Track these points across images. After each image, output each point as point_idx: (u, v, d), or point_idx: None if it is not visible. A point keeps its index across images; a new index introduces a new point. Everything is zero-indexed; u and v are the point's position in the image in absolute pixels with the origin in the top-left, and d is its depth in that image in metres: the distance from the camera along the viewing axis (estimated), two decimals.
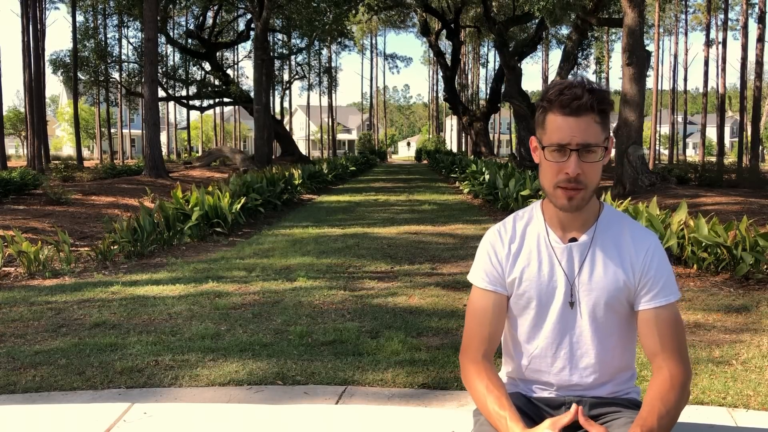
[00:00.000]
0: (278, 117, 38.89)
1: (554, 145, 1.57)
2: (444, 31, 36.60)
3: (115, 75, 33.09)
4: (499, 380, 1.66)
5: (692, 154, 63.65)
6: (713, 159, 36.99)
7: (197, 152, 55.33)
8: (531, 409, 1.73)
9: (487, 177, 15.57)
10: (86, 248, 8.27)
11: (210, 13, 32.14)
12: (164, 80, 30.90)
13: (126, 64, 32.72)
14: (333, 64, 53.44)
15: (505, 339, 1.82)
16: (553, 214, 1.69)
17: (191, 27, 32.97)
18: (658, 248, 1.67)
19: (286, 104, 54.27)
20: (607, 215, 1.70)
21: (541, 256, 1.69)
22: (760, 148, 39.54)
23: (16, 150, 68.89)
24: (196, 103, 33.52)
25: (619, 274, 1.64)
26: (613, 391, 1.72)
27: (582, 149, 1.55)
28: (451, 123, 72.55)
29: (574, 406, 1.53)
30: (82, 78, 30.84)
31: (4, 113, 34.18)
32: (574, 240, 1.67)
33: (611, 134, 1.64)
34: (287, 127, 41.18)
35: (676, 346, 1.60)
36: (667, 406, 1.52)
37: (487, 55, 62.40)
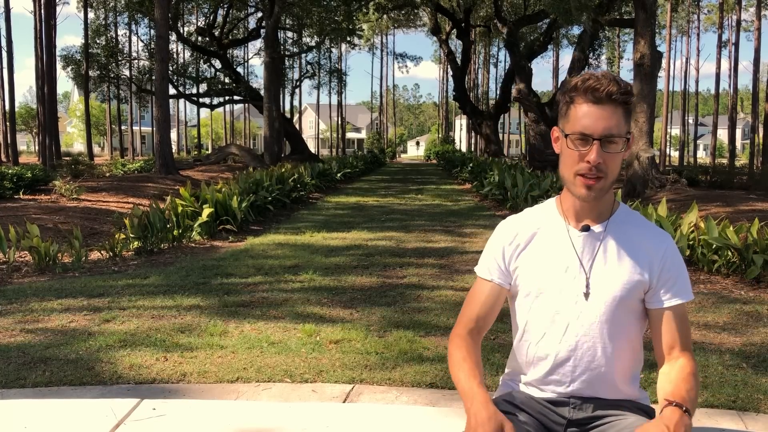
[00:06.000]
0: (288, 115, 38.91)
1: (577, 134, 1.58)
2: (454, 31, 36.51)
3: (126, 72, 33.23)
4: (476, 355, 1.74)
5: (703, 156, 63.20)
6: (724, 161, 36.72)
7: (207, 150, 55.52)
8: (534, 407, 1.72)
9: (497, 177, 15.55)
10: (96, 244, 8.32)
11: (221, 11, 32.19)
12: (174, 78, 30.99)
13: (136, 61, 32.86)
14: (342, 63, 53.48)
15: (514, 335, 1.80)
16: (570, 206, 1.69)
17: (202, 25, 33.07)
18: (675, 248, 1.69)
19: (296, 103, 54.44)
20: (622, 211, 1.72)
21: (557, 247, 1.69)
22: None
23: (27, 146, 69.35)
24: (206, 100, 33.60)
25: (635, 268, 1.65)
26: (618, 391, 1.70)
27: (604, 140, 1.56)
28: (460, 122, 72.33)
29: None
30: (92, 75, 30.98)
31: (16, 109, 34.40)
32: (587, 228, 1.68)
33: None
34: (297, 126, 41.21)
35: (688, 341, 1.67)
36: (689, 386, 1.57)
37: (498, 55, 62.10)
